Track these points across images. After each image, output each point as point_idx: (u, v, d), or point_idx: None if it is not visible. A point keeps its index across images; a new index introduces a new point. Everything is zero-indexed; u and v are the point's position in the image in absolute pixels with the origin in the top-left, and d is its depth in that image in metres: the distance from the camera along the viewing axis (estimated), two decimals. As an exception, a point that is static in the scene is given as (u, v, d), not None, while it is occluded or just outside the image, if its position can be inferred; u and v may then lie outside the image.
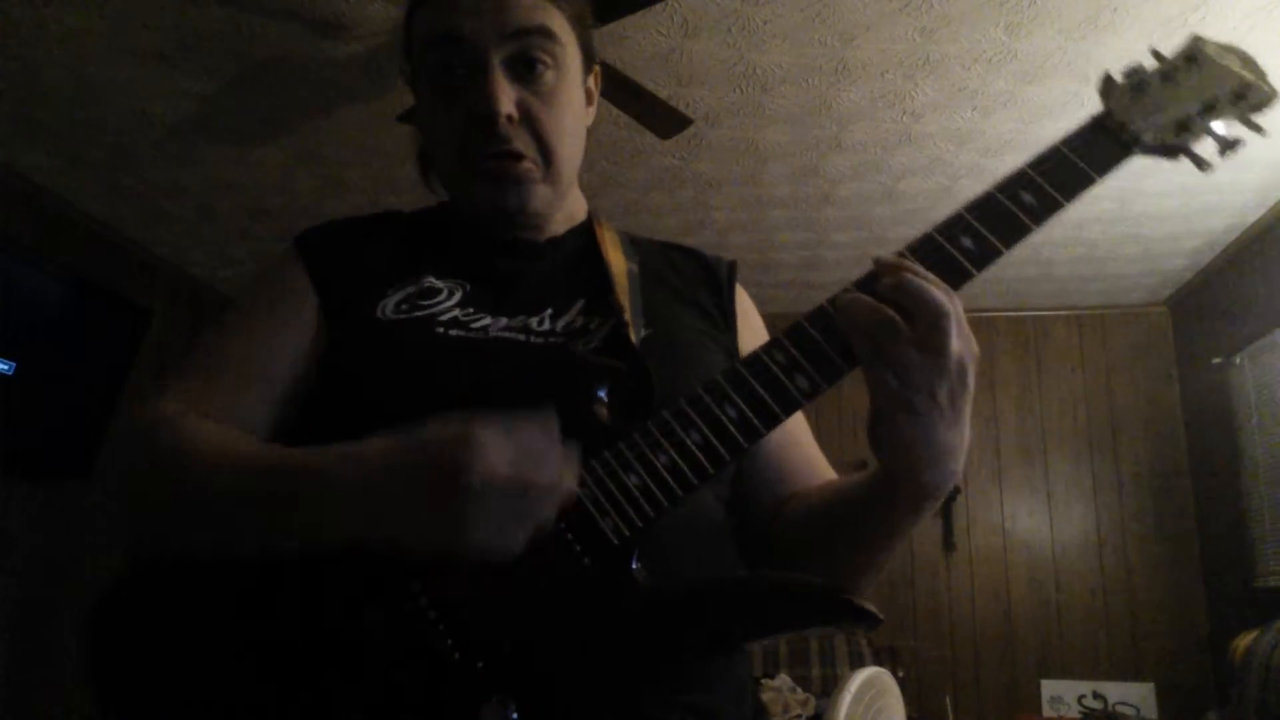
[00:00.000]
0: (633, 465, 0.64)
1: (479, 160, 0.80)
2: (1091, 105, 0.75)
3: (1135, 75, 0.73)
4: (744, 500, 0.86)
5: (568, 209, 0.90)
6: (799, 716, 3.25)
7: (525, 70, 0.80)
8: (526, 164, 0.80)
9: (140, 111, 2.84)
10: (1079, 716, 4.06)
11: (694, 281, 0.91)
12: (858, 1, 2.30)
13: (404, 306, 0.78)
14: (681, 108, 2.74)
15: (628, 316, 0.78)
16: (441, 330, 0.76)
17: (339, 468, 0.63)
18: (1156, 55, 0.75)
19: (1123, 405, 4.51)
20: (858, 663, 3.88)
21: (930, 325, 0.60)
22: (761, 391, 0.64)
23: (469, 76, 0.79)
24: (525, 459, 0.58)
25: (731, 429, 0.63)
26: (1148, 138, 0.73)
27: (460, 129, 0.80)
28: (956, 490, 4.44)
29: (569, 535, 0.63)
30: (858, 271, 0.68)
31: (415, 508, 0.59)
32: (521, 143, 0.80)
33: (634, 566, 0.63)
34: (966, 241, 0.68)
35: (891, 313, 0.61)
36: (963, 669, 4.29)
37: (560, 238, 0.89)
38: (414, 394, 0.70)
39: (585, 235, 0.90)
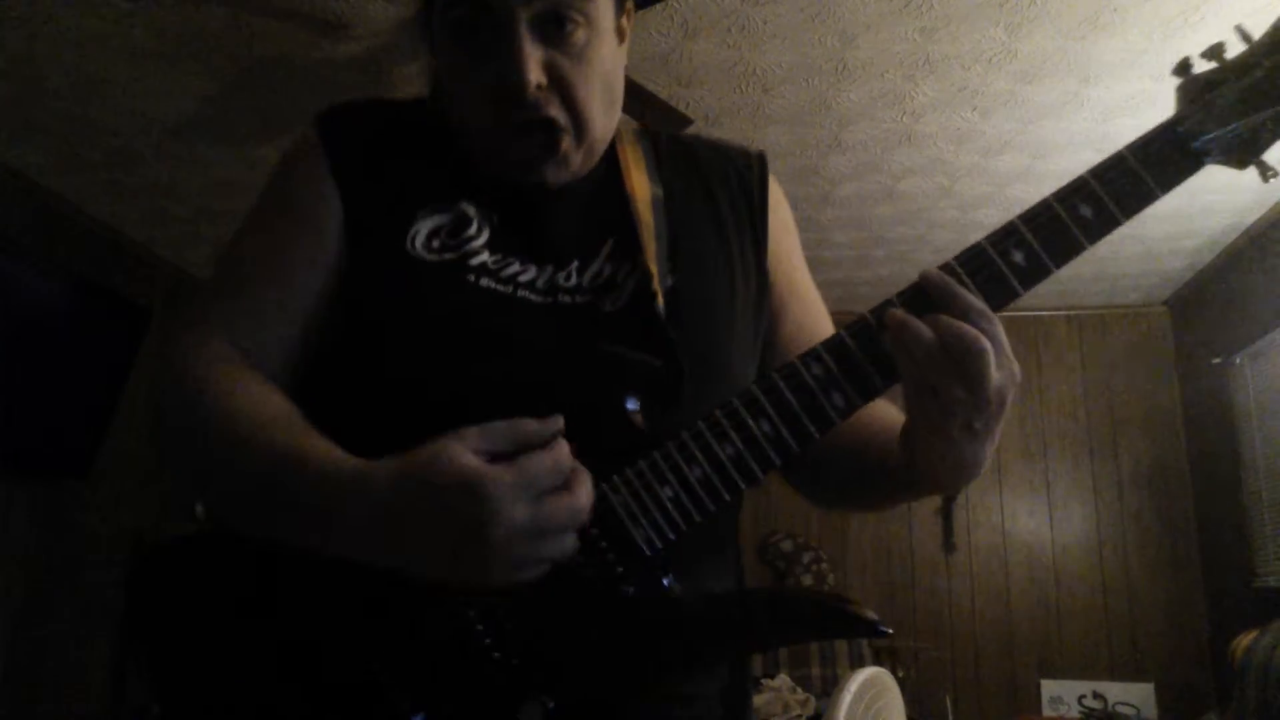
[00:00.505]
0: (666, 477, 0.65)
1: (508, 131, 0.75)
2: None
3: (1215, 66, 0.67)
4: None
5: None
6: (799, 717, 3.25)
7: (554, 29, 0.73)
8: (560, 135, 0.75)
9: (140, 111, 2.84)
10: (1079, 716, 4.06)
11: (721, 188, 0.87)
12: (858, 1, 2.30)
13: (435, 243, 0.75)
14: (681, 108, 2.74)
15: (653, 267, 0.76)
16: (473, 279, 0.74)
17: (354, 502, 0.62)
18: (1243, 34, 0.69)
19: (1123, 405, 4.51)
20: (858, 663, 3.88)
21: (970, 365, 0.61)
22: (796, 408, 0.64)
23: (493, 37, 0.72)
24: (540, 505, 0.58)
25: (765, 444, 0.64)
26: (1219, 149, 0.67)
27: (485, 95, 0.74)
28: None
29: (603, 543, 0.64)
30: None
31: (435, 553, 0.60)
32: (554, 109, 0.74)
33: (666, 582, 0.65)
34: (1018, 256, 0.66)
35: (937, 344, 0.62)
36: (963, 669, 4.29)
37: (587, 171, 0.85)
38: (440, 358, 0.71)
39: (609, 162, 0.85)
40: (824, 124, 2.92)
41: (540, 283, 0.76)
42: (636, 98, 2.49)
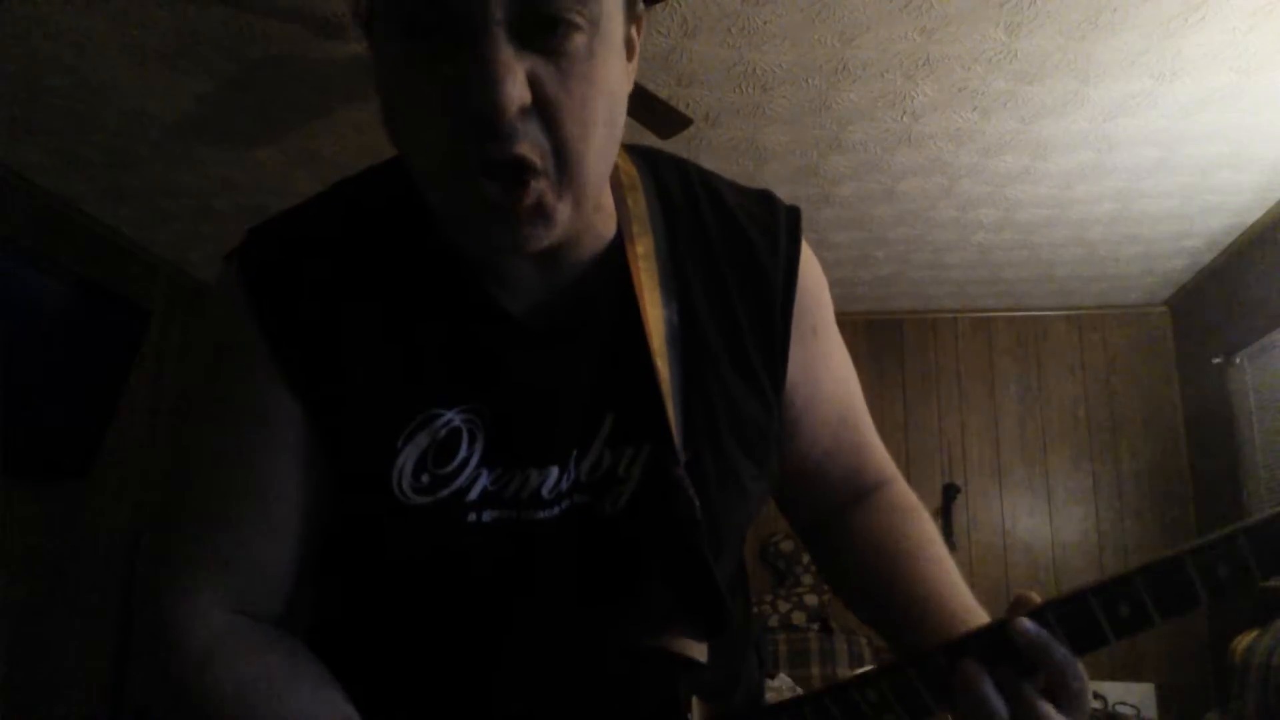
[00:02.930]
0: None
1: (469, 176, 0.55)
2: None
3: None
4: (799, 478, 0.80)
5: (595, 218, 0.68)
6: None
7: (543, 32, 0.53)
8: (537, 185, 0.55)
9: (140, 111, 2.84)
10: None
11: (741, 292, 0.71)
12: (858, 1, 2.30)
13: (424, 478, 0.63)
14: (681, 108, 2.74)
15: (681, 469, 0.64)
16: (474, 519, 0.63)
17: None
18: None
19: (1123, 405, 4.51)
20: (858, 663, 3.88)
21: None
22: None
23: (457, 42, 0.52)
24: None
25: None
26: None
27: (441, 123, 0.54)
28: (956, 490, 4.44)
29: None
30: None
31: None
32: (530, 143, 0.54)
33: None
34: (1124, 609, 0.58)
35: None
36: (963, 669, 4.28)
37: (583, 278, 0.68)
38: (453, 602, 0.65)
39: (614, 275, 0.67)
40: (824, 124, 2.91)
41: (545, 492, 0.64)
42: (636, 98, 2.49)
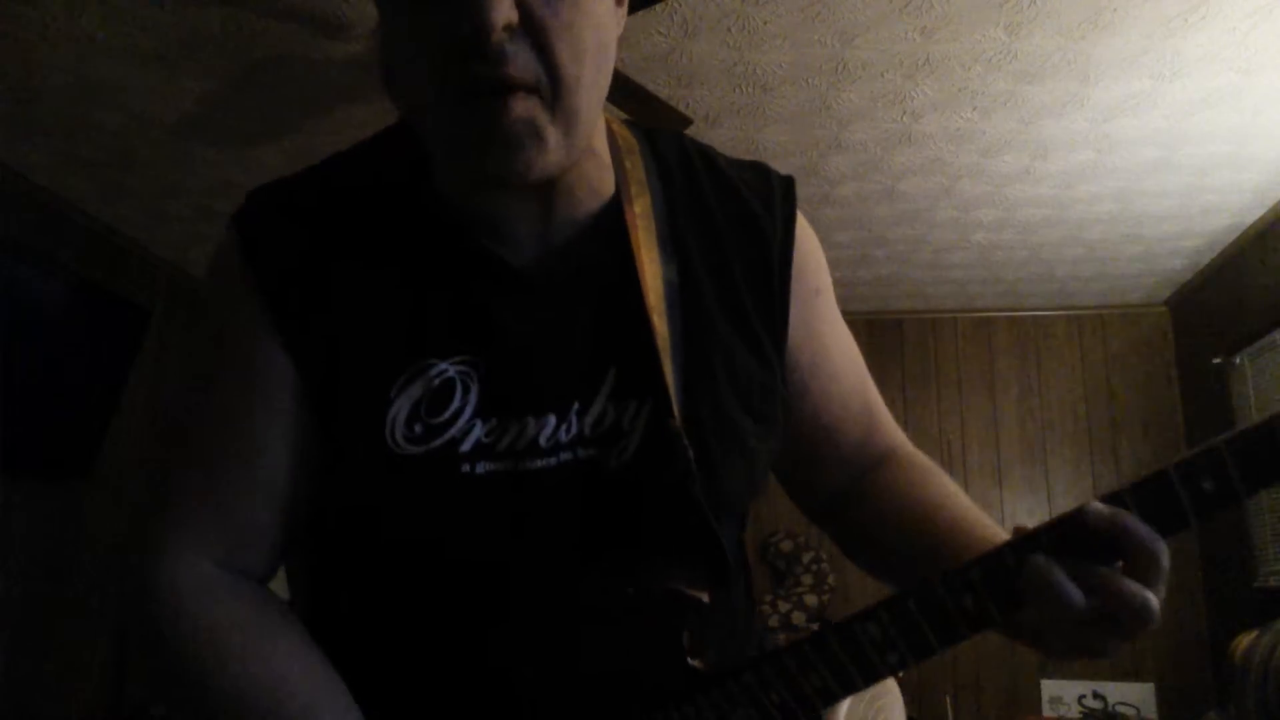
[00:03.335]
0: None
1: (460, 97, 0.56)
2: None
3: None
4: (806, 456, 0.80)
5: (590, 169, 0.68)
6: (799, 716, 3.25)
7: None
8: (527, 103, 0.56)
9: (140, 111, 2.84)
10: (1079, 717, 4.06)
11: (739, 253, 0.71)
12: (858, 1, 2.30)
13: (417, 427, 0.62)
14: (681, 108, 2.74)
15: (677, 419, 0.64)
16: (468, 469, 0.62)
17: None
18: None
19: (1123, 405, 4.51)
20: (858, 663, 3.88)
21: (1130, 626, 0.54)
22: (850, 666, 0.61)
23: None
24: None
25: (811, 695, 0.62)
26: None
27: (431, 50, 0.56)
28: (956, 490, 4.43)
29: None
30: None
31: None
32: (521, 63, 0.55)
33: None
34: (1207, 484, 0.56)
35: (1093, 610, 0.54)
36: (963, 669, 4.29)
37: (581, 236, 0.68)
38: (449, 555, 0.64)
39: (612, 232, 0.68)
40: (824, 124, 2.91)
41: (543, 440, 0.64)
42: (636, 98, 2.49)
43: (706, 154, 0.76)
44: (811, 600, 4.21)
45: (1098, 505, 0.55)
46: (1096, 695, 4.13)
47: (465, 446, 0.63)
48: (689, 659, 0.63)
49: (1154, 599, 0.53)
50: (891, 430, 0.83)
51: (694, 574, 0.66)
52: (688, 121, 2.60)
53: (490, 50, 0.54)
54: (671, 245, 0.69)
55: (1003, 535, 0.69)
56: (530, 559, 0.64)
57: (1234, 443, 0.54)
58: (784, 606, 4.20)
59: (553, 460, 0.64)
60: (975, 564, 0.58)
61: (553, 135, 0.58)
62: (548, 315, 0.66)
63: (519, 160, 0.57)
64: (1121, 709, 4.04)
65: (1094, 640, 0.56)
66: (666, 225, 0.70)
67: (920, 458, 0.81)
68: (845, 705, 1.74)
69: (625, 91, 2.45)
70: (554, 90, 0.57)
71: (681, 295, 0.68)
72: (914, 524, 0.73)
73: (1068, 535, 0.56)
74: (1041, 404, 4.57)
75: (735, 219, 0.72)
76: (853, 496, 0.80)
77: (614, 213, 0.69)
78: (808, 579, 4.30)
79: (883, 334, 4.67)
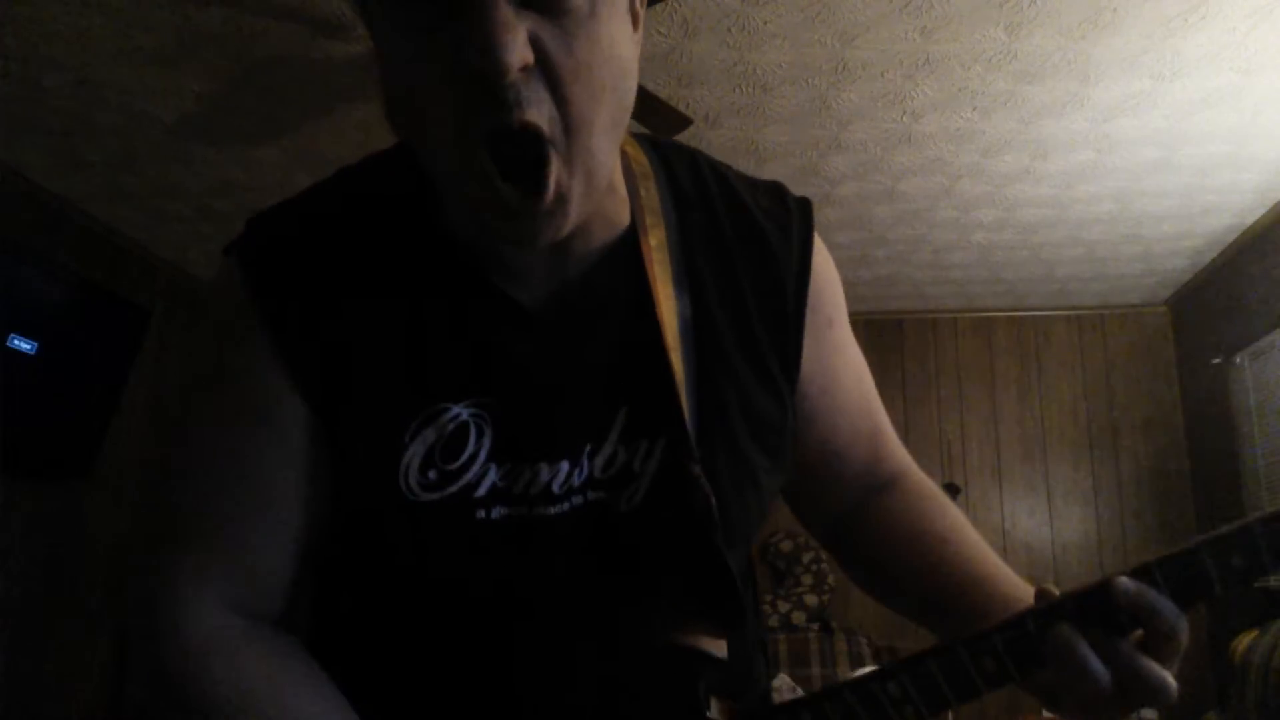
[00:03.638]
0: None
1: (470, 150, 0.53)
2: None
3: None
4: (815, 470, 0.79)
5: (607, 205, 0.66)
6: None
7: None
8: (552, 172, 0.54)
9: (140, 111, 2.84)
10: (1079, 716, 4.06)
11: (754, 285, 0.69)
12: (858, 1, 2.30)
13: (431, 474, 0.61)
14: (681, 108, 2.74)
15: (697, 465, 0.62)
16: (484, 515, 0.61)
17: None
18: None
19: (1123, 405, 4.51)
20: (858, 663, 3.88)
21: (1149, 701, 0.56)
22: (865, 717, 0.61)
23: (448, 5, 0.51)
24: None
25: None
26: None
27: (443, 95, 0.52)
28: (956, 490, 4.44)
29: None
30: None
31: None
32: (536, 109, 0.52)
33: None
34: (1237, 561, 0.55)
35: (1115, 684, 0.55)
36: (963, 669, 4.29)
37: (595, 269, 0.66)
38: (464, 594, 0.63)
39: (628, 266, 0.66)
40: (824, 124, 2.91)
41: (556, 486, 0.62)
42: (636, 98, 2.49)
43: (722, 176, 0.74)
44: (811, 600, 4.21)
45: (1125, 581, 0.56)
46: (1096, 695, 4.13)
47: (480, 492, 0.61)
48: (707, 713, 0.62)
49: (1172, 680, 0.55)
50: (898, 454, 0.82)
51: (709, 619, 0.65)
52: (688, 121, 2.60)
53: (507, 93, 0.51)
54: (686, 277, 0.67)
55: (1007, 571, 0.70)
56: (542, 607, 0.62)
57: (1270, 523, 0.55)
58: (784, 606, 4.20)
59: (565, 506, 0.62)
60: (998, 630, 0.59)
61: (574, 190, 0.55)
62: (561, 355, 0.64)
63: (547, 232, 0.56)
64: (1121, 709, 4.04)
65: (1106, 709, 0.57)
66: (681, 256, 0.68)
67: (927, 484, 0.80)
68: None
69: (625, 91, 2.45)
70: (569, 133, 0.54)
71: (695, 328, 0.66)
72: (919, 555, 0.73)
73: (1092, 605, 0.57)
74: (1041, 404, 4.57)
75: (751, 248, 0.70)
76: (858, 521, 0.80)
77: (629, 244, 0.67)
78: (808, 579, 4.30)
79: (883, 334, 4.67)
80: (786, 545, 4.39)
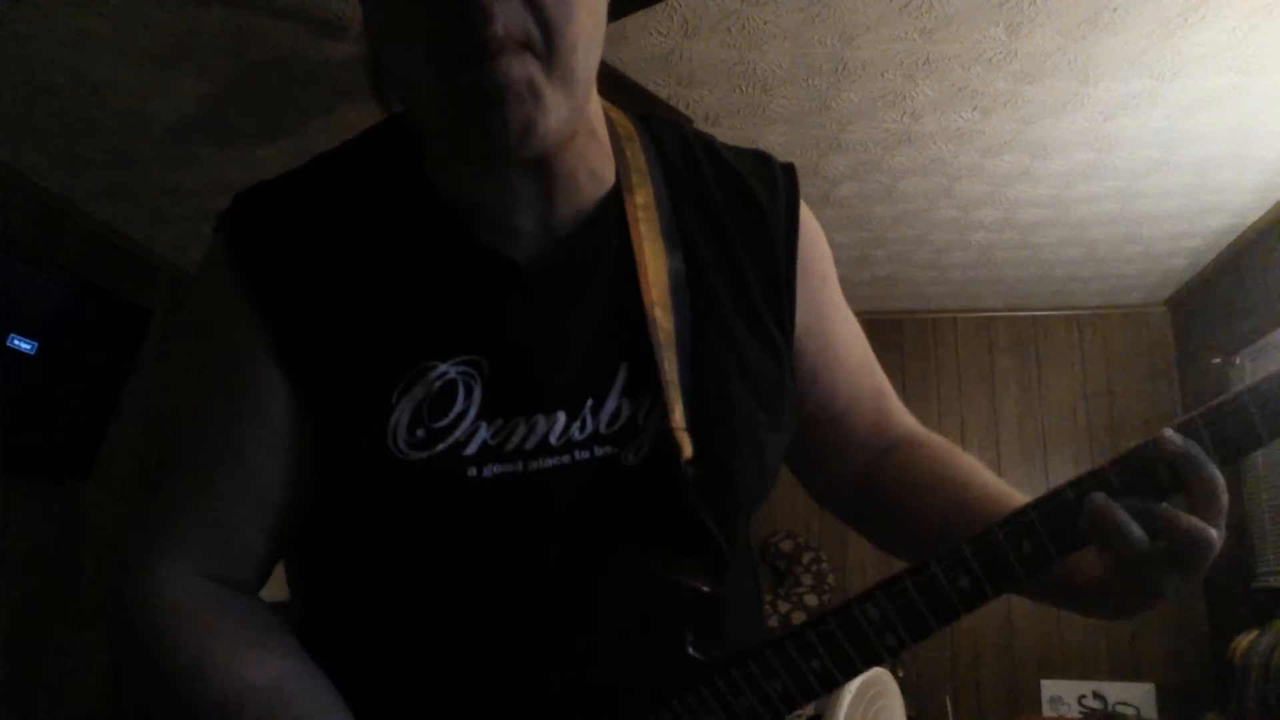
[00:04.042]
0: (715, 711, 0.62)
1: (451, 67, 0.54)
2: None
3: None
4: (818, 433, 0.79)
5: (591, 152, 0.66)
6: (799, 716, 3.25)
7: None
8: (522, 59, 0.54)
9: (140, 111, 2.84)
10: (1079, 716, 4.06)
11: (746, 244, 0.70)
12: (858, 1, 2.30)
13: (419, 432, 0.61)
14: (681, 108, 2.74)
15: (676, 412, 0.62)
16: (475, 473, 0.61)
17: None
18: None
19: (1123, 405, 4.51)
20: (858, 663, 3.88)
21: (1193, 561, 0.54)
22: (849, 648, 0.61)
23: None
24: None
25: (812, 680, 0.61)
26: None
27: (417, 19, 0.54)
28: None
29: None
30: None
31: None
32: (509, 19, 0.53)
33: None
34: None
35: (1157, 547, 0.54)
36: (963, 669, 4.29)
37: (583, 227, 0.66)
38: (455, 563, 0.62)
39: (615, 223, 0.67)
40: (824, 124, 2.91)
41: (554, 438, 0.63)
42: (637, 98, 2.49)
43: (707, 142, 0.75)
44: (811, 600, 4.21)
45: (1172, 435, 0.55)
46: (1096, 695, 4.13)
47: (470, 450, 0.61)
48: (690, 650, 0.62)
49: (1214, 532, 0.53)
50: (903, 414, 0.82)
51: (697, 569, 0.66)
52: (688, 122, 2.60)
53: (478, 11, 0.52)
54: (677, 235, 0.68)
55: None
56: (539, 558, 0.63)
57: None
58: (784, 607, 4.20)
59: (566, 459, 0.63)
60: (1033, 506, 0.57)
61: (550, 94, 0.55)
62: (552, 311, 0.64)
63: (518, 119, 0.55)
64: (1121, 709, 4.04)
65: (1151, 575, 0.55)
66: (670, 215, 0.68)
67: (937, 437, 0.80)
68: (845, 705, 1.74)
69: (625, 91, 2.46)
70: (548, 47, 0.54)
71: (690, 284, 0.67)
72: (943, 501, 0.72)
73: (1132, 468, 0.56)
74: (1041, 404, 4.57)
75: (739, 207, 0.71)
76: (873, 482, 0.79)
77: (616, 202, 0.67)
78: (808, 579, 4.30)
79: (883, 334, 4.67)
80: (787, 545, 4.39)
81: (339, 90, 2.73)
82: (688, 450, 0.63)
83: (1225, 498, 0.55)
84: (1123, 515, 0.54)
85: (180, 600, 0.62)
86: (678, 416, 0.63)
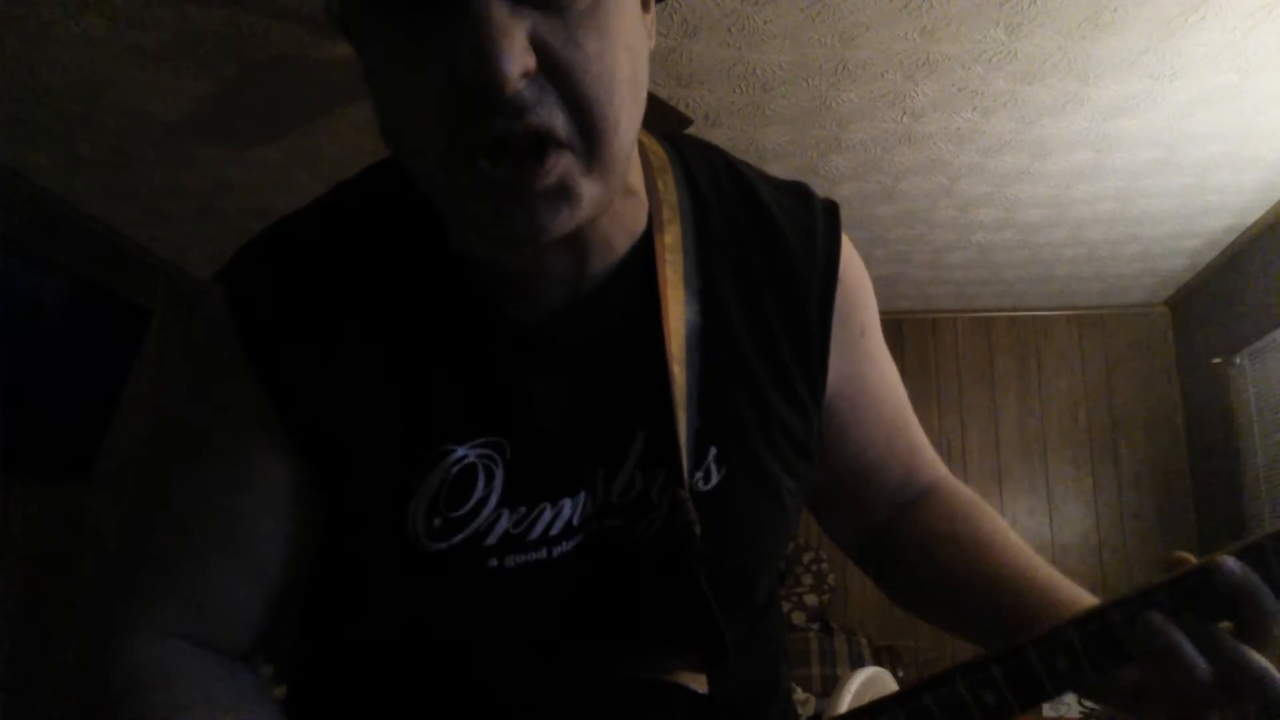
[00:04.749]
0: None
1: (473, 160, 0.46)
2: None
3: None
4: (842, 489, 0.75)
5: (626, 208, 0.61)
6: (799, 716, 3.25)
7: None
8: (560, 161, 0.47)
9: (140, 111, 2.84)
10: (1079, 716, 4.06)
11: (776, 297, 0.64)
12: (858, 1, 2.30)
13: (436, 521, 0.56)
14: (681, 108, 2.74)
15: (684, 485, 0.58)
16: (496, 564, 0.57)
17: None
18: None
19: (1123, 405, 4.51)
20: (858, 663, 3.88)
21: (1251, 699, 0.50)
22: None
23: (443, 9, 0.44)
24: None
25: None
26: None
27: (433, 106, 0.46)
28: (956, 490, 4.44)
29: None
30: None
31: None
32: (546, 111, 0.46)
33: None
34: None
35: (1213, 678, 0.49)
36: (963, 669, 4.29)
37: (610, 278, 0.61)
38: (471, 643, 0.59)
39: (642, 270, 0.61)
40: (824, 124, 2.91)
41: (576, 520, 0.58)
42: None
43: (741, 175, 0.68)
44: (811, 600, 4.21)
45: (1232, 563, 0.50)
46: (1096, 695, 4.13)
47: (491, 540, 0.57)
48: None
49: (1275, 671, 0.49)
50: (934, 464, 0.79)
51: (693, 653, 0.61)
52: (688, 121, 2.60)
53: (509, 103, 0.44)
54: (697, 281, 0.62)
55: (1060, 576, 0.67)
56: (543, 645, 0.59)
57: None
58: (784, 606, 4.20)
59: (580, 537, 0.59)
60: (1073, 625, 0.53)
61: (588, 190, 0.49)
62: (575, 380, 0.59)
63: (549, 225, 0.48)
64: (1121, 709, 4.03)
65: (1204, 708, 0.50)
66: (695, 259, 0.62)
67: (964, 492, 0.76)
68: (846, 705, 1.74)
69: (625, 91, 2.46)
70: (588, 141, 0.47)
71: (706, 337, 0.61)
72: (963, 562, 0.69)
73: (1187, 590, 0.51)
74: (1041, 404, 4.57)
75: (771, 254, 0.64)
76: (895, 534, 0.76)
77: (646, 244, 0.61)
78: (808, 579, 4.30)
79: (883, 334, 4.67)
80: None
81: (339, 90, 2.73)
82: (696, 522, 0.58)
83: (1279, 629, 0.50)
84: (1179, 637, 0.50)
85: (153, 663, 0.58)
86: (686, 478, 0.58)
